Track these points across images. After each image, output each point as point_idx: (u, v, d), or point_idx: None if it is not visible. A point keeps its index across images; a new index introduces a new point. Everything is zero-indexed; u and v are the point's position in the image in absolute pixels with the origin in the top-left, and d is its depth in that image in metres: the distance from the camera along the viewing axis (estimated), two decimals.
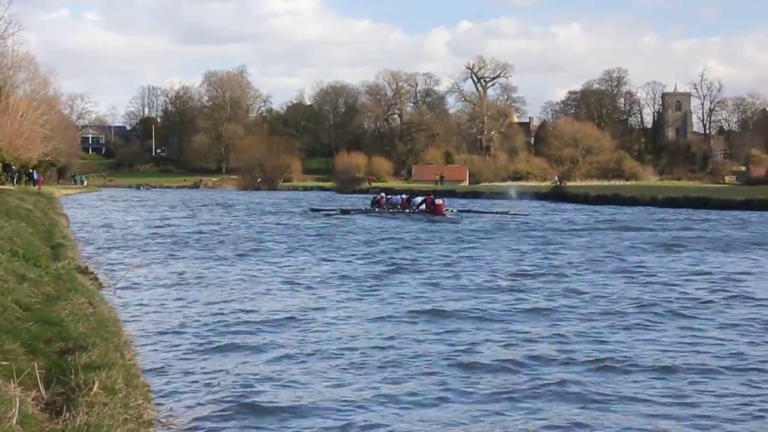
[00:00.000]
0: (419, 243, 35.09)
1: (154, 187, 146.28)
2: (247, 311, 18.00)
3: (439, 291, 21.18)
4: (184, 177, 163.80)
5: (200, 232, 42.07)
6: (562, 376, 12.34)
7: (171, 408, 10.64)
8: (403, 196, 61.05)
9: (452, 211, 54.73)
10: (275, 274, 24.72)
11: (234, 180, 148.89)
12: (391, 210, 56.84)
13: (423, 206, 54.52)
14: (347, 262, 28.17)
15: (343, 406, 11.02)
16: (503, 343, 14.76)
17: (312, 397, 11.35)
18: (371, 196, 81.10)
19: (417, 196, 60.29)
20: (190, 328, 15.99)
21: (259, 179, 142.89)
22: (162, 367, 12.82)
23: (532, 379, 12.33)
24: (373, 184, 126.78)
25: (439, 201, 54.24)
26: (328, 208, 64.53)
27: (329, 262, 27.76)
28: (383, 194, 64.58)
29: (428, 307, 18.51)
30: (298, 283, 22.70)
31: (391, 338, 15.13)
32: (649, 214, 56.96)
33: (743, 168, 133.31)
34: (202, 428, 10.08)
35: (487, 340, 14.95)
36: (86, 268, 20.57)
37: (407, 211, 54.96)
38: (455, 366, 13.09)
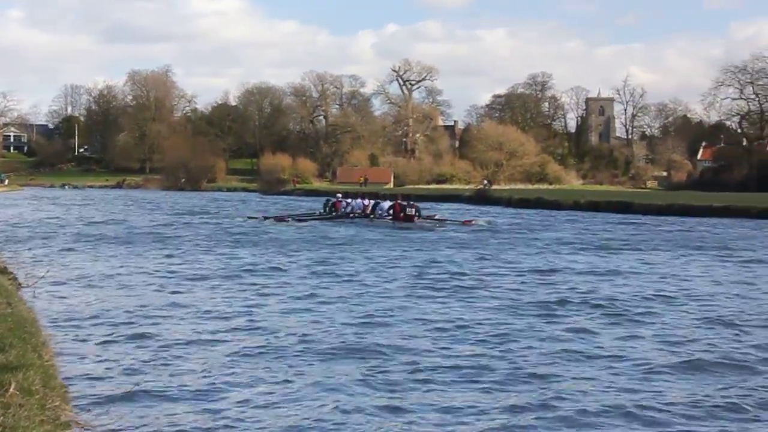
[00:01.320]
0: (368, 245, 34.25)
1: (77, 187, 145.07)
2: (167, 308, 17.89)
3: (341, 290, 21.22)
4: (107, 177, 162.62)
5: (121, 230, 41.86)
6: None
7: (89, 409, 10.40)
8: (366, 201, 52.69)
9: (420, 217, 47.92)
10: (199, 272, 24.45)
11: (158, 180, 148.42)
12: (351, 215, 50.67)
13: (391, 212, 47.76)
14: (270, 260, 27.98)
15: (264, 396, 11.13)
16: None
17: (235, 392, 11.36)
18: (300, 198, 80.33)
19: (385, 200, 51.70)
20: (110, 328, 15.75)
21: (183, 179, 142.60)
22: (80, 367, 12.59)
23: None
24: (298, 186, 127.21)
25: (411, 211, 47.19)
26: (277, 214, 54.75)
27: (251, 263, 27.31)
28: (339, 196, 56.80)
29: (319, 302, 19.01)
30: (219, 282, 22.59)
31: (304, 332, 15.30)
32: (574, 218, 57.59)
33: (665, 173, 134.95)
34: (121, 429, 9.89)
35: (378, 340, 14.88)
36: (5, 267, 20.29)
37: (371, 216, 48.97)
38: (335, 354, 13.67)
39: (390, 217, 47.50)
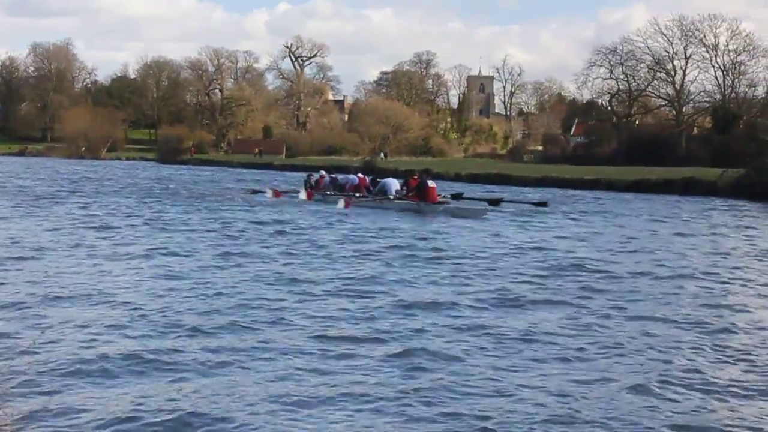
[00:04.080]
0: None
1: None
2: (60, 285, 15.36)
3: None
4: (10, 144, 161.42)
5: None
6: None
7: None
8: (360, 175, 40.90)
9: (445, 197, 37.60)
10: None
11: (59, 148, 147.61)
12: (353, 195, 38.12)
13: (403, 190, 35.73)
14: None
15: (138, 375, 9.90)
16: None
17: (116, 367, 10.13)
18: (198, 168, 76.19)
19: (388, 176, 41.18)
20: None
21: (84, 148, 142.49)
22: None
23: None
24: (195, 156, 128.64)
25: (432, 183, 35.28)
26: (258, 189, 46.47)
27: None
28: (323, 173, 43.97)
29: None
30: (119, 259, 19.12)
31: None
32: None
33: (540, 147, 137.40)
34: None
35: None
36: None
37: (389, 196, 35.86)
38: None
39: (404, 195, 35.51)
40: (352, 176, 41.04)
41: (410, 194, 35.11)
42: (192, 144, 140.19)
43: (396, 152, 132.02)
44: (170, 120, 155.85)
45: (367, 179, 39.99)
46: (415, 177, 36.05)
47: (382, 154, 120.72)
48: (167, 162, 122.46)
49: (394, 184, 36.40)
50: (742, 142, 73.28)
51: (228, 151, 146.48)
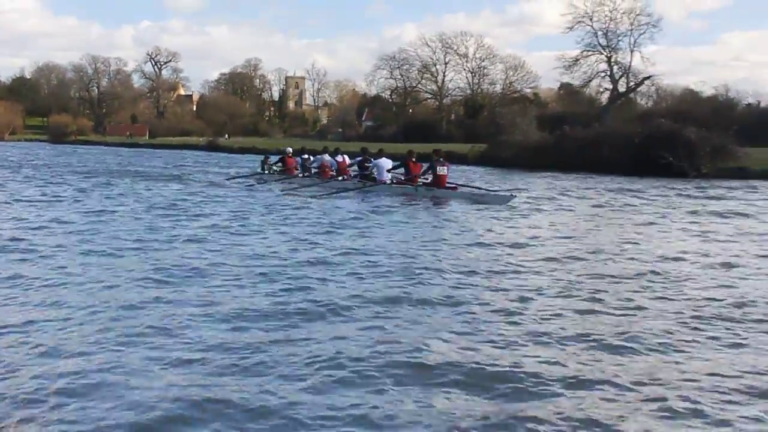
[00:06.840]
0: None
1: None
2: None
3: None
4: None
5: None
6: None
7: None
8: (341, 157, 28.31)
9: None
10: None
11: None
12: (334, 179, 26.86)
13: (400, 174, 24.55)
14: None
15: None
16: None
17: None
18: (80, 147, 73.04)
19: (380, 155, 26.55)
20: None
21: None
22: None
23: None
24: (78, 137, 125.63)
25: (442, 170, 23.27)
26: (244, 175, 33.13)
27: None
28: (289, 150, 32.42)
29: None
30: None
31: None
32: None
33: (340, 130, 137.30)
34: None
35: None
36: None
37: (384, 180, 24.58)
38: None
39: (400, 179, 24.22)
40: (328, 158, 28.16)
41: (408, 179, 23.89)
42: (75, 129, 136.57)
43: (233, 134, 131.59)
44: (58, 110, 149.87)
45: (348, 160, 28.24)
46: (414, 160, 24.21)
47: (226, 135, 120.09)
48: (56, 142, 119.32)
49: (385, 165, 25.02)
50: (485, 125, 74.99)
51: (104, 134, 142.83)
